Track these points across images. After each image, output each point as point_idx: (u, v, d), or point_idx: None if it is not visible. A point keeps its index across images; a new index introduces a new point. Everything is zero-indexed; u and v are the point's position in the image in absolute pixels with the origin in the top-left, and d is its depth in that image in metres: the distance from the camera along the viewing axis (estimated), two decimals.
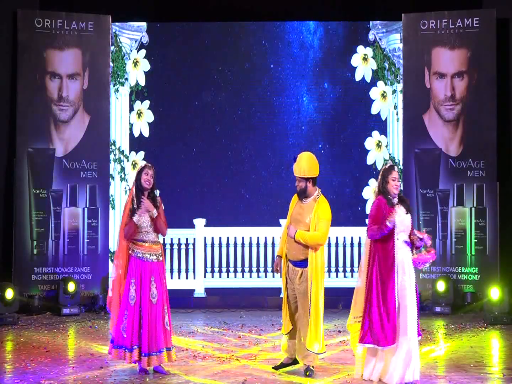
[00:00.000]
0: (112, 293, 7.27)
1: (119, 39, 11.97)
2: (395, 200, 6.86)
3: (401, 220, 6.77)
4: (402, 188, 11.61)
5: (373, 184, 11.91)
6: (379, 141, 11.96)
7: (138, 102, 12.00)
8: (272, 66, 12.07)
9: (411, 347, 6.68)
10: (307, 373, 7.17)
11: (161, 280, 7.22)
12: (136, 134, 12.01)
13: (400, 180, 6.85)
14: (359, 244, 11.90)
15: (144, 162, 7.44)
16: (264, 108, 12.02)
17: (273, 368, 7.44)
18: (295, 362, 7.40)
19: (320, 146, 11.96)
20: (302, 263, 7.13)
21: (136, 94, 12.01)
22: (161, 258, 7.30)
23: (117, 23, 11.88)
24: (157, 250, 7.27)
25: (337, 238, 11.82)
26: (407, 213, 6.83)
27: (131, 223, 7.17)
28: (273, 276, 11.81)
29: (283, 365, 7.44)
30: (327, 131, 12.01)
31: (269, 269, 11.91)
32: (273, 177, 11.96)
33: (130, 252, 7.22)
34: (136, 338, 7.08)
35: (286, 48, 12.05)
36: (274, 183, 11.92)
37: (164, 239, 11.85)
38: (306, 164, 7.19)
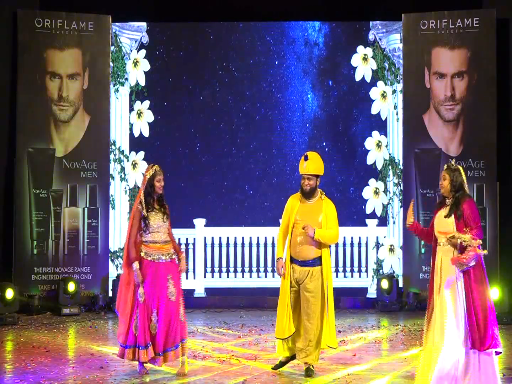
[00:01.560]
0: (118, 295, 7.28)
1: (119, 39, 11.97)
2: (449, 200, 6.45)
3: (438, 222, 6.47)
4: (401, 188, 11.61)
5: (373, 184, 11.91)
6: (379, 141, 11.95)
7: (138, 102, 12.00)
8: (276, 63, 12.08)
9: (444, 356, 6.25)
10: (308, 373, 7.17)
11: (178, 277, 7.21)
12: (136, 134, 12.00)
13: (444, 180, 6.44)
14: (359, 244, 11.90)
15: (154, 166, 7.36)
16: (269, 105, 12.05)
17: (272, 369, 7.43)
18: (292, 358, 7.39)
19: (324, 144, 11.98)
20: (313, 262, 7.14)
21: (136, 94, 12.01)
22: (174, 257, 7.26)
23: (117, 23, 11.87)
24: (168, 249, 7.23)
25: None
26: (445, 216, 6.42)
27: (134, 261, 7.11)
28: (273, 276, 11.80)
29: (282, 364, 7.44)
30: (331, 129, 12.02)
31: (269, 269, 11.91)
32: (276, 175, 11.94)
33: (142, 255, 7.16)
34: (148, 336, 7.05)
35: (291, 45, 12.05)
36: (278, 180, 11.90)
37: None
38: (317, 162, 7.27)
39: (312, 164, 7.21)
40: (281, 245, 7.31)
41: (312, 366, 7.22)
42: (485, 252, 6.29)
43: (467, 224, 6.33)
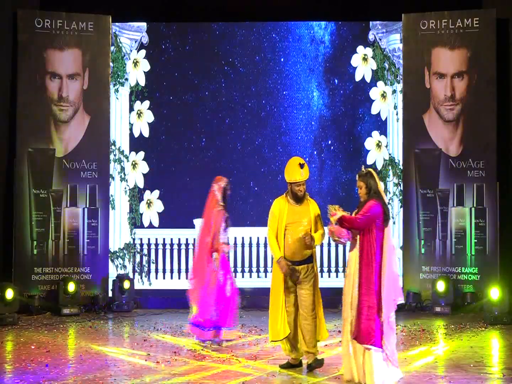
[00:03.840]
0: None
1: (119, 39, 11.97)
2: None
3: None
4: (401, 188, 11.65)
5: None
6: (379, 141, 11.96)
7: (138, 102, 12.00)
8: (282, 59, 12.08)
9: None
10: (319, 362, 7.27)
11: None
12: (136, 134, 12.01)
13: (360, 188, 6.89)
14: None
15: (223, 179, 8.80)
16: (275, 101, 12.07)
17: (280, 366, 7.46)
18: (300, 364, 7.46)
19: (329, 142, 11.99)
20: (308, 259, 7.32)
21: (136, 94, 12.02)
22: None
23: (117, 23, 11.88)
24: None
25: None
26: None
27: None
28: None
29: (289, 365, 7.47)
30: (336, 127, 12.03)
31: (269, 269, 11.90)
32: (282, 173, 11.83)
33: None
34: None
35: (296, 42, 12.06)
36: (282, 178, 11.82)
37: (164, 239, 11.89)
38: (306, 168, 7.43)
39: (306, 171, 7.42)
40: (277, 246, 7.39)
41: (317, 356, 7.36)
42: (332, 228, 6.76)
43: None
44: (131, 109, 12.00)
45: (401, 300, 6.69)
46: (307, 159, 11.79)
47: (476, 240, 11.16)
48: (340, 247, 11.87)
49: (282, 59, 12.09)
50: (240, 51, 12.05)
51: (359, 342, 6.55)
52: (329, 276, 11.72)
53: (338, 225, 6.72)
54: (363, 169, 6.89)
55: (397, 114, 11.90)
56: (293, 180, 7.39)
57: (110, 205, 11.71)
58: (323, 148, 11.96)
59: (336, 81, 12.08)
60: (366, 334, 6.50)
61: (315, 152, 12.01)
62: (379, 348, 6.50)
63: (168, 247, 11.90)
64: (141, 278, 11.86)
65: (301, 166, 7.36)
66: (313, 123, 12.06)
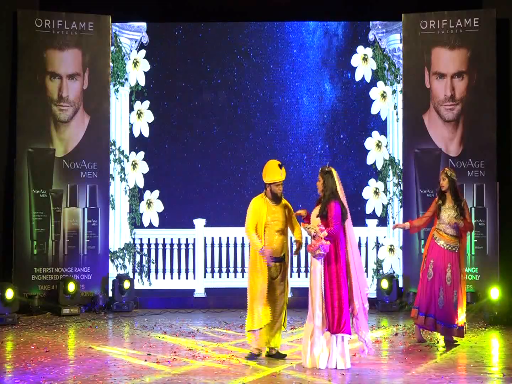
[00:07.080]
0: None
1: (119, 39, 11.97)
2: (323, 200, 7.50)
3: (312, 219, 7.49)
4: (401, 188, 11.63)
5: (373, 184, 11.91)
6: (379, 141, 11.96)
7: (138, 102, 12.00)
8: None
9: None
10: (282, 356, 7.80)
11: (457, 268, 8.53)
12: (136, 134, 12.01)
13: (318, 181, 7.50)
14: (359, 244, 11.88)
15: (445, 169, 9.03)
16: (287, 92, 12.07)
17: (267, 355, 7.82)
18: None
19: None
20: (284, 256, 7.73)
21: (136, 94, 12.02)
22: (456, 250, 8.57)
23: (117, 23, 11.88)
24: (454, 242, 8.56)
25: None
26: (317, 216, 7.40)
27: None
28: None
29: (254, 356, 7.79)
30: (349, 122, 12.03)
31: None
32: (293, 164, 11.87)
33: (433, 237, 8.62)
34: (430, 307, 8.56)
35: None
36: (294, 170, 11.82)
37: (164, 239, 11.88)
38: (283, 169, 7.73)
39: (284, 171, 7.72)
40: (257, 237, 7.64)
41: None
42: (328, 243, 7.17)
43: (329, 223, 7.27)
44: (131, 109, 12.00)
45: (367, 291, 7.48)
46: (318, 152, 11.87)
47: (476, 240, 11.16)
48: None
49: (294, 51, 12.08)
50: (253, 40, 12.04)
51: (333, 332, 7.25)
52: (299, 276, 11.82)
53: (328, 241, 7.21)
54: (326, 166, 7.45)
55: (397, 114, 11.90)
56: (274, 180, 7.64)
57: (110, 205, 11.71)
58: (335, 142, 11.97)
59: (349, 74, 12.07)
60: (340, 324, 7.23)
61: (326, 146, 12.02)
62: (349, 334, 7.30)
63: (168, 247, 11.90)
64: (141, 278, 11.86)
65: (280, 166, 7.66)
66: (325, 116, 12.05)
